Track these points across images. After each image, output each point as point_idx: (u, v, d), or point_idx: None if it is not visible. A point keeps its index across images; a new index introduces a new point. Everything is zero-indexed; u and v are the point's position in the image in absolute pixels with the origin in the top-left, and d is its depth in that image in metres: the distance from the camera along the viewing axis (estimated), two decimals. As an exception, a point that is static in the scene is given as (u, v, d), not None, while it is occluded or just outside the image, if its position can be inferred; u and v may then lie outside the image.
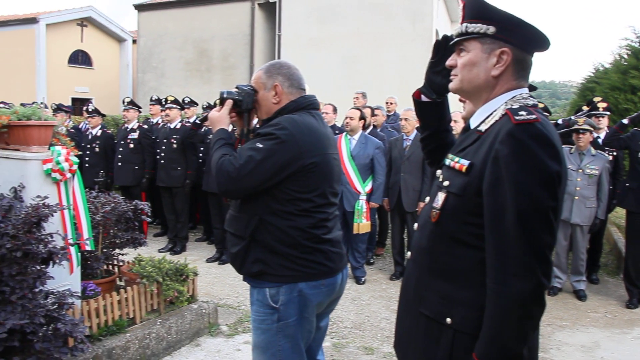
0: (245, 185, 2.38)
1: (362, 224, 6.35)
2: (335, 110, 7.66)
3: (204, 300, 4.99)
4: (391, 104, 9.74)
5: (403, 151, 6.51)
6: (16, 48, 25.04)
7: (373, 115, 7.87)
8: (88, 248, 3.90)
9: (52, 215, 3.20)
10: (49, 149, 3.62)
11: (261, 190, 2.42)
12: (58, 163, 3.53)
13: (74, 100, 24.36)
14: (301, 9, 18.17)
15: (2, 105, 10.75)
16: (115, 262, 4.87)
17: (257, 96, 2.62)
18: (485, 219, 1.67)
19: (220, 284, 6.32)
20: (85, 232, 3.85)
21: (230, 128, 2.65)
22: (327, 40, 17.40)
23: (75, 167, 3.67)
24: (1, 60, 25.41)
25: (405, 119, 6.51)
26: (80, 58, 26.61)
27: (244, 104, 2.62)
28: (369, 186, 6.45)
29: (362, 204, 6.36)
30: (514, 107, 1.72)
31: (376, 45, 16.71)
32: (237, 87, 2.67)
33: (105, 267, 4.70)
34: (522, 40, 1.79)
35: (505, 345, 1.61)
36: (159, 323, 4.38)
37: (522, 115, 1.65)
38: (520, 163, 1.60)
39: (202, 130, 7.38)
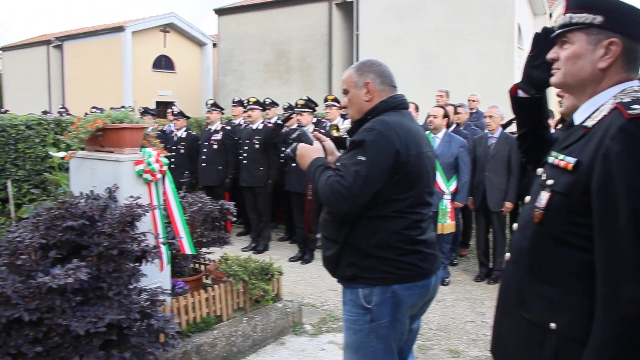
0: (360, 202, 2.34)
1: (447, 224, 6.23)
2: (417, 108, 7.56)
3: (288, 299, 5.03)
4: (473, 101, 9.52)
5: (488, 149, 6.35)
6: (104, 56, 26.21)
7: (456, 113, 7.71)
8: (187, 250, 4.00)
9: (145, 215, 3.30)
10: (140, 151, 3.74)
11: (374, 198, 2.38)
12: (149, 164, 3.64)
13: (157, 103, 25.22)
14: (379, 7, 18.07)
15: (94, 110, 11.26)
16: (202, 260, 4.98)
17: (349, 95, 2.61)
18: (595, 220, 1.57)
19: (303, 284, 6.36)
20: (181, 231, 3.96)
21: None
22: (406, 38, 17.22)
23: (165, 167, 3.78)
24: (91, 67, 26.68)
25: (490, 116, 6.35)
26: (163, 63, 27.54)
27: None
28: (453, 185, 6.32)
29: (446, 203, 6.24)
30: (625, 100, 1.61)
31: (455, 41, 16.39)
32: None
33: (192, 265, 4.82)
34: (632, 29, 1.68)
35: (617, 355, 1.51)
36: (245, 321, 4.44)
37: (635, 109, 1.54)
38: (635, 160, 1.49)
39: (284, 130, 7.45)
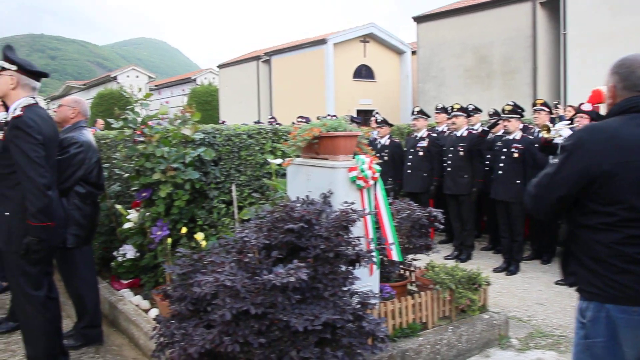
0: (543, 203, 2.37)
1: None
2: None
3: (494, 310, 4.88)
4: None
5: None
6: (308, 67, 27.62)
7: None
8: (395, 256, 4.08)
9: (359, 220, 3.41)
10: (353, 158, 3.87)
11: (564, 204, 2.35)
12: (362, 171, 3.75)
13: (358, 112, 25.92)
14: (588, 2, 16.87)
15: (300, 119, 11.90)
16: (409, 267, 5.02)
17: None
18: None
19: (508, 295, 6.13)
20: (390, 237, 4.04)
21: None
22: (621, 34, 15.82)
23: (377, 174, 3.87)
24: (296, 79, 28.24)
25: None
26: (363, 72, 28.29)
27: None
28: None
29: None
30: None
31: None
32: None
33: (398, 271, 4.88)
34: None
35: None
36: (450, 330, 4.39)
37: None
38: None
39: (490, 137, 7.26)
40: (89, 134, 4.62)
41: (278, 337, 3.04)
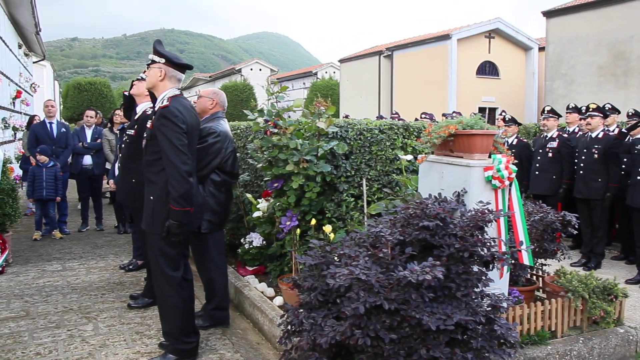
0: None
1: None
2: None
3: (631, 325, 4.59)
4: None
5: None
6: (430, 63, 27.26)
7: None
8: (526, 260, 3.94)
9: (495, 221, 3.32)
10: (489, 157, 3.77)
11: None
12: (499, 170, 3.65)
13: (480, 109, 25.29)
14: None
15: (424, 116, 11.77)
16: (537, 271, 4.83)
17: None
18: None
19: (644, 310, 5.74)
20: (522, 240, 3.90)
21: None
22: None
23: (513, 175, 3.75)
24: (417, 75, 27.97)
25: None
26: (487, 69, 27.53)
27: None
28: None
29: None
30: None
31: None
32: None
33: (527, 275, 4.71)
34: None
35: None
36: (581, 341, 4.18)
37: None
38: None
39: (629, 140, 6.82)
40: (226, 125, 4.81)
41: (408, 334, 3.02)
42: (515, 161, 3.99)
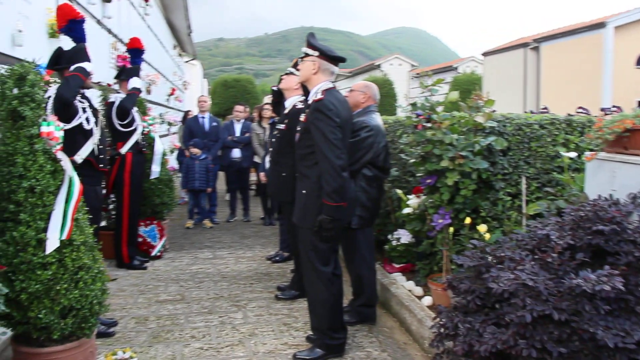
0: None
1: None
2: None
3: None
4: None
5: None
6: (582, 54, 25.60)
7: None
8: None
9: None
10: (674, 155, 3.38)
11: None
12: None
13: None
14: None
15: (580, 111, 11.03)
16: None
17: None
18: None
19: None
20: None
21: None
22: None
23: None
24: (568, 67, 26.37)
25: None
26: (648, 58, 25.36)
27: None
28: None
29: None
30: None
31: None
32: None
33: None
34: None
35: None
36: None
37: None
38: None
39: None
40: (378, 119, 4.73)
41: (578, 349, 2.76)
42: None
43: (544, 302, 2.72)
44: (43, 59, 4.46)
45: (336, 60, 4.02)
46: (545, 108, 13.41)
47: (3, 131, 3.37)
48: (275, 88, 6.01)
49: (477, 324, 3.05)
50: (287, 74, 5.54)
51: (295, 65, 5.20)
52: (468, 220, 4.30)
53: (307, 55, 4.00)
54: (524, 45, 30.95)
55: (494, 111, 4.52)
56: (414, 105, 4.70)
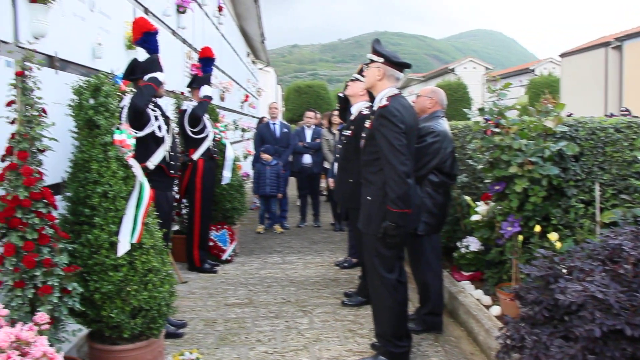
0: None
1: None
2: None
3: None
4: None
5: None
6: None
7: None
8: None
9: None
10: None
11: None
12: None
13: None
14: None
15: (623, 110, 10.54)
16: None
17: None
18: None
19: None
20: None
21: None
22: None
23: None
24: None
25: None
26: None
27: None
28: None
29: None
30: None
31: None
32: None
33: None
34: None
35: None
36: None
37: None
38: None
39: None
40: (445, 124, 4.66)
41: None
42: None
43: (615, 316, 2.59)
44: (120, 70, 4.66)
45: (401, 66, 3.99)
46: (627, 110, 12.78)
47: (80, 139, 3.55)
48: (341, 94, 6.01)
49: (545, 337, 2.95)
50: (352, 80, 5.54)
51: (360, 72, 5.20)
52: (538, 228, 4.16)
53: (372, 61, 3.99)
54: (605, 44, 29.72)
55: (570, 115, 4.35)
56: (481, 110, 4.60)
